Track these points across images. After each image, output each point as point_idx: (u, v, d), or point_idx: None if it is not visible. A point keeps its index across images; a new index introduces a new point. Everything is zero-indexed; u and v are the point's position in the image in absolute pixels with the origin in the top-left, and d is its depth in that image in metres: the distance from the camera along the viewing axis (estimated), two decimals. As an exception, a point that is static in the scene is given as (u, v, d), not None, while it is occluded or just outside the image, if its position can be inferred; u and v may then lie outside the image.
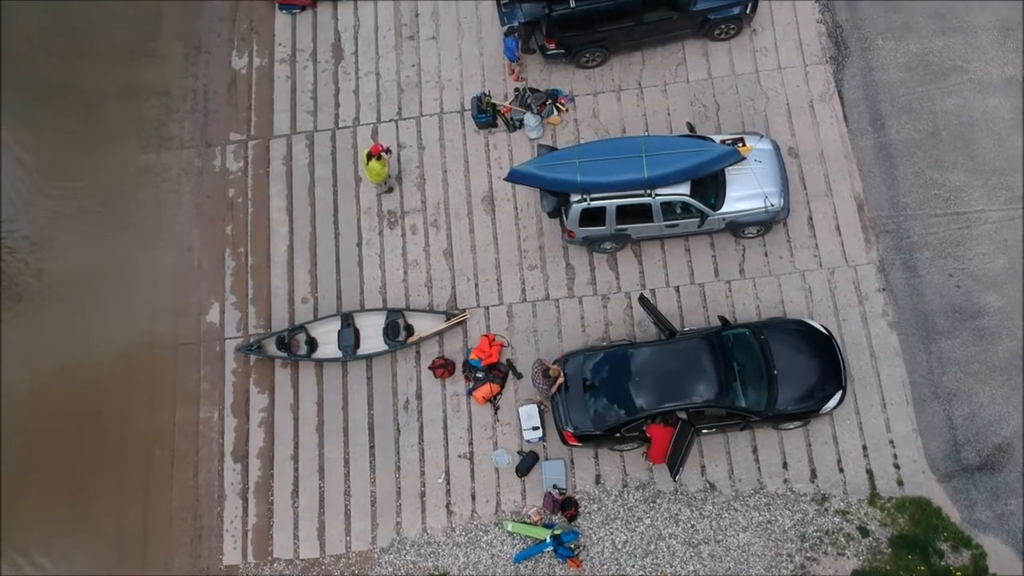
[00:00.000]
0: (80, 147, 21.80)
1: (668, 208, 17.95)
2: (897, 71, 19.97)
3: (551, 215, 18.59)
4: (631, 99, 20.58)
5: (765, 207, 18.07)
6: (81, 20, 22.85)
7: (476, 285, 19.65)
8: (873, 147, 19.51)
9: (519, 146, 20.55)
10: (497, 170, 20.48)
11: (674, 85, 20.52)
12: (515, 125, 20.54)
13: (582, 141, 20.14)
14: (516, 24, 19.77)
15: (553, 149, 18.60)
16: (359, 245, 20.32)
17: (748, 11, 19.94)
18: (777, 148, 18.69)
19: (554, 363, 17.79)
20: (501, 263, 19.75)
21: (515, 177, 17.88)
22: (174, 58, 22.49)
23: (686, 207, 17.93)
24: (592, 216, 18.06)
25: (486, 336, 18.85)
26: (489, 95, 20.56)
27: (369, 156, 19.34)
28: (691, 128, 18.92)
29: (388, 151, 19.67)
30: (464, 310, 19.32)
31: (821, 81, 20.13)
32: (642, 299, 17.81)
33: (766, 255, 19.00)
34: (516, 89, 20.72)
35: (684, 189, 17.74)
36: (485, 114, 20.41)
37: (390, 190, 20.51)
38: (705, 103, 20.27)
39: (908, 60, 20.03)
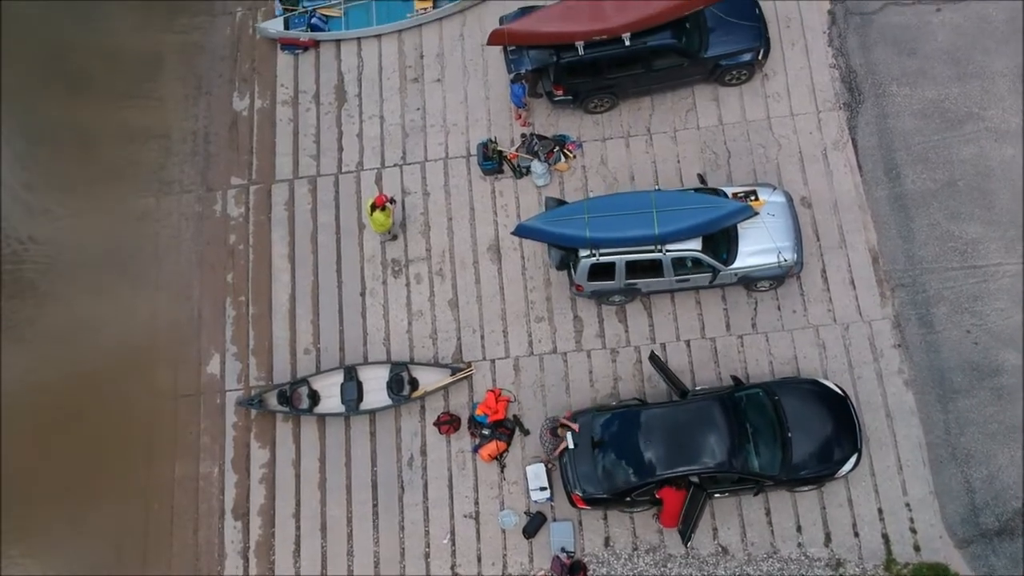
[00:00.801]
0: (78, 191, 21.40)
1: (679, 263, 17.56)
2: (912, 118, 19.55)
3: (558, 268, 18.19)
4: (640, 145, 20.17)
5: (778, 262, 17.66)
6: (80, 60, 22.44)
7: (482, 337, 19.23)
8: (888, 197, 19.09)
9: (526, 193, 20.14)
10: (503, 217, 20.08)
11: (684, 131, 20.11)
12: (522, 172, 20.14)
13: (591, 193, 19.71)
14: (523, 71, 19.36)
15: (561, 202, 18.21)
16: (362, 294, 19.92)
17: (760, 57, 19.52)
18: (790, 200, 18.29)
19: (564, 421, 17.36)
20: (507, 314, 19.34)
21: (522, 232, 17.48)
22: (174, 99, 22.09)
23: (697, 262, 17.53)
24: (601, 271, 17.65)
25: (492, 391, 18.45)
26: (495, 141, 20.16)
27: (373, 207, 18.95)
28: (702, 180, 18.52)
29: (393, 201, 19.28)
30: (470, 364, 18.91)
31: (834, 128, 19.71)
32: (653, 357, 17.40)
33: (779, 309, 18.59)
34: (523, 135, 20.32)
35: (695, 244, 17.34)
36: (491, 161, 20.01)
37: (394, 238, 20.11)
38: (716, 150, 19.86)
39: (924, 107, 19.61)
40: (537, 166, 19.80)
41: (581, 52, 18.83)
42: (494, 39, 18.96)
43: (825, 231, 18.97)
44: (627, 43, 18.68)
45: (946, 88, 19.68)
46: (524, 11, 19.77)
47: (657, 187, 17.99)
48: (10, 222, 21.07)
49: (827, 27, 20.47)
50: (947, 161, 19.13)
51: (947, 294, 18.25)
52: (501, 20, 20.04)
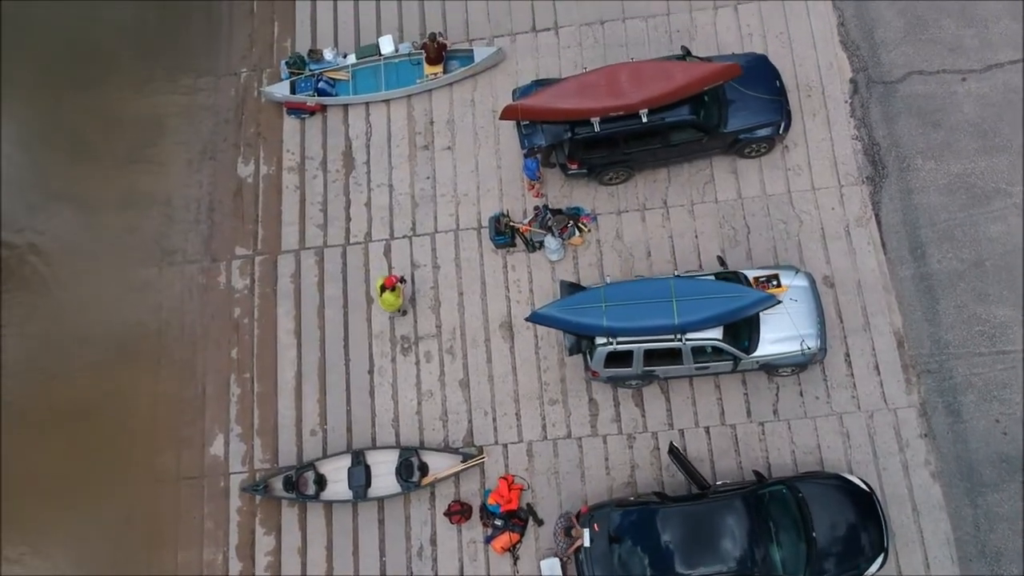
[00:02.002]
0: (77, 259, 20.85)
1: (699, 351, 16.99)
2: (938, 194, 18.98)
3: (571, 353, 17.61)
4: (656, 219, 19.60)
5: (801, 350, 17.08)
6: (78, 122, 21.89)
7: (494, 419, 18.67)
8: (913, 277, 18.51)
9: (539, 268, 19.58)
10: (516, 293, 19.51)
11: (702, 205, 19.53)
12: (535, 246, 19.56)
13: (606, 268, 19.19)
14: (537, 147, 18.80)
15: (574, 285, 17.66)
16: (371, 372, 19.35)
17: (781, 132, 18.95)
18: (813, 283, 17.70)
19: (579, 518, 16.78)
20: (520, 396, 18.77)
21: (537, 319, 16.90)
22: (176, 164, 21.54)
23: (718, 350, 16.96)
24: (618, 358, 17.09)
25: (505, 478, 17.88)
26: (508, 215, 19.59)
27: (383, 288, 18.37)
28: (722, 261, 17.95)
29: (403, 280, 18.73)
30: (481, 449, 18.36)
31: (857, 204, 19.13)
32: (672, 450, 16.82)
33: (801, 395, 18.00)
34: (535, 207, 19.74)
35: (716, 333, 16.78)
36: (504, 236, 19.44)
37: (403, 313, 19.54)
38: (735, 225, 19.29)
39: (949, 182, 19.04)
40: (551, 241, 19.22)
41: (597, 128, 18.26)
42: (507, 114, 18.38)
43: (848, 313, 18.39)
44: (644, 119, 18.10)
45: (972, 162, 19.10)
46: (538, 83, 19.25)
47: (675, 272, 17.36)
48: (11, 294, 20.53)
49: (849, 96, 19.89)
50: (974, 239, 18.55)
51: (975, 381, 17.67)
52: (514, 93, 19.53)
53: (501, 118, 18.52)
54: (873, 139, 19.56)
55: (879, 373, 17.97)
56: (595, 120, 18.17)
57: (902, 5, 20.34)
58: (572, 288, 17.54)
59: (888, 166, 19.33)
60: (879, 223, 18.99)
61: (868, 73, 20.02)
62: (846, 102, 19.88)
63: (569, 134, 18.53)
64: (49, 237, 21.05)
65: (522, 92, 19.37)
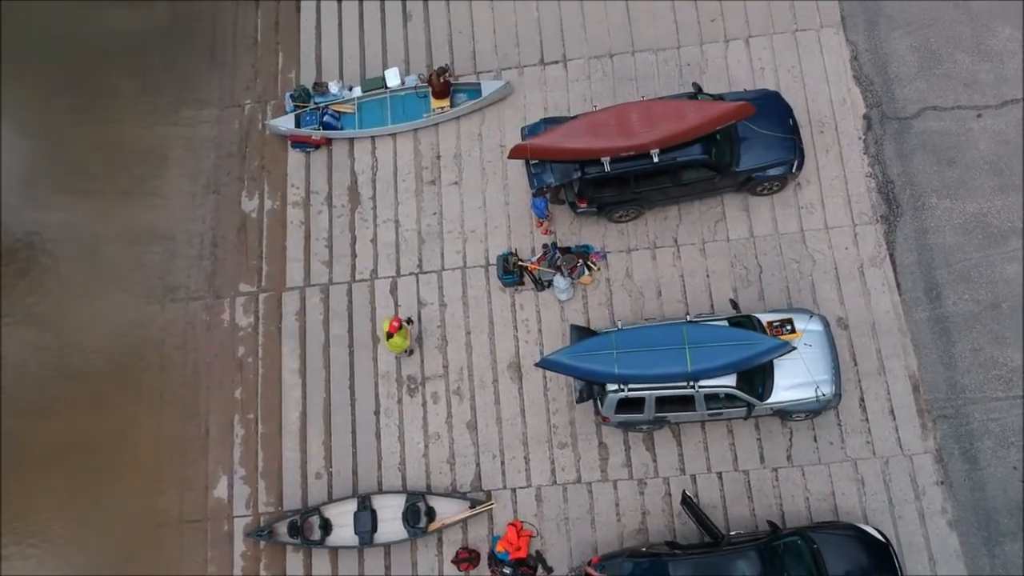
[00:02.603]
0: (79, 295, 20.53)
1: (712, 397, 16.70)
2: (953, 234, 18.67)
3: (581, 400, 17.30)
4: (667, 257, 19.30)
5: (816, 397, 16.79)
6: (81, 156, 21.58)
7: (502, 463, 18.38)
8: (928, 320, 18.21)
9: (547, 307, 19.28)
10: (524, 333, 19.21)
11: (713, 243, 19.23)
12: (544, 284, 19.26)
13: (616, 308, 18.91)
14: (547, 186, 18.50)
15: (584, 329, 17.39)
16: (376, 414, 19.05)
17: (794, 170, 18.65)
18: (828, 327, 17.39)
19: (591, 565, 16.48)
20: (529, 439, 18.47)
21: (547, 366, 16.62)
22: (180, 198, 21.23)
23: (731, 396, 16.66)
24: (629, 404, 16.81)
25: (513, 524, 17.57)
26: (516, 254, 19.29)
27: (389, 335, 18.06)
28: (735, 305, 17.66)
29: (410, 321, 18.43)
30: (490, 494, 18.07)
31: (871, 243, 18.83)
32: (685, 500, 16.52)
33: (815, 440, 17.70)
34: (544, 245, 19.43)
35: (730, 380, 16.49)
36: (512, 275, 19.14)
37: (410, 353, 19.25)
38: (747, 264, 18.98)
39: (965, 221, 18.74)
40: (560, 281, 18.91)
41: (607, 168, 17.96)
42: (516, 154, 18.09)
43: (863, 356, 18.08)
44: (656, 159, 17.80)
45: (988, 201, 18.80)
46: (547, 122, 18.94)
47: (687, 316, 17.06)
48: (10, 329, 20.22)
49: (863, 133, 19.59)
50: (990, 281, 18.25)
51: (992, 427, 17.37)
52: (523, 131, 19.22)
53: (510, 157, 18.25)
54: (887, 176, 19.25)
55: (894, 418, 17.67)
56: (605, 160, 17.87)
57: (916, 39, 20.03)
58: (582, 333, 17.25)
59: (903, 205, 19.02)
60: (894, 263, 18.68)
61: (882, 109, 19.71)
62: (860, 138, 19.58)
63: (579, 173, 18.23)
64: (50, 271, 20.70)
65: (530, 130, 19.06)
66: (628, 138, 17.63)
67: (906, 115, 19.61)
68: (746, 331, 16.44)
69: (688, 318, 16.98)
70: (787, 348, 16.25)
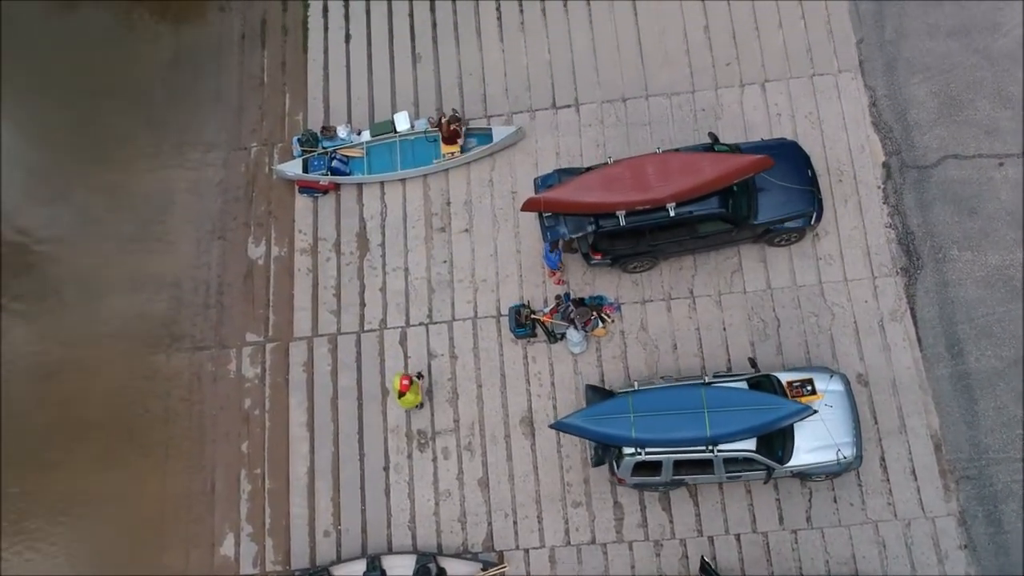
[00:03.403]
0: (83, 345, 20.17)
1: (731, 460, 16.32)
2: (975, 287, 18.28)
3: (596, 464, 16.93)
4: (682, 309, 18.91)
5: (837, 459, 16.41)
6: (85, 200, 21.22)
7: (515, 522, 18.00)
8: (950, 376, 17.81)
9: (560, 360, 18.90)
10: (536, 387, 18.84)
11: (729, 295, 18.84)
12: (556, 337, 18.88)
13: (630, 362, 18.54)
14: (560, 240, 18.13)
15: (599, 390, 17.01)
16: (386, 469, 18.69)
17: (812, 222, 18.26)
18: (848, 387, 17.01)
19: None
20: (542, 497, 18.09)
21: (562, 428, 16.27)
22: (185, 243, 20.85)
23: (750, 459, 16.29)
24: (646, 466, 16.44)
25: (526, 588, 17.21)
26: (528, 306, 18.92)
27: (400, 394, 17.69)
28: (753, 364, 17.25)
29: (420, 376, 18.07)
30: (502, 555, 17.68)
31: (892, 297, 18.44)
32: (704, 567, 16.15)
33: (835, 501, 17.31)
34: (557, 296, 19.04)
35: (749, 444, 16.12)
36: (524, 328, 18.77)
37: (420, 406, 18.86)
38: (764, 318, 18.60)
39: (987, 274, 18.34)
40: (573, 334, 18.52)
41: (622, 222, 17.58)
42: (529, 207, 17.75)
43: (883, 413, 17.69)
44: (672, 213, 17.43)
45: (1011, 253, 18.40)
46: (561, 173, 18.56)
47: (705, 377, 16.66)
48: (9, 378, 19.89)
49: (882, 182, 19.21)
50: (1013, 336, 17.86)
51: (1016, 488, 16.98)
52: (536, 183, 18.84)
53: (523, 209, 17.90)
54: (907, 227, 18.86)
55: (916, 479, 17.28)
56: (620, 213, 17.51)
57: (936, 85, 19.65)
58: (598, 393, 16.88)
59: (923, 257, 18.63)
60: (914, 317, 18.29)
61: (901, 157, 19.33)
62: (879, 187, 19.20)
63: (593, 226, 17.85)
64: (54, 321, 20.37)
65: (543, 181, 18.69)
66: (644, 192, 17.28)
67: (926, 163, 19.23)
68: (766, 395, 16.08)
69: (706, 379, 16.61)
70: (808, 412, 15.89)
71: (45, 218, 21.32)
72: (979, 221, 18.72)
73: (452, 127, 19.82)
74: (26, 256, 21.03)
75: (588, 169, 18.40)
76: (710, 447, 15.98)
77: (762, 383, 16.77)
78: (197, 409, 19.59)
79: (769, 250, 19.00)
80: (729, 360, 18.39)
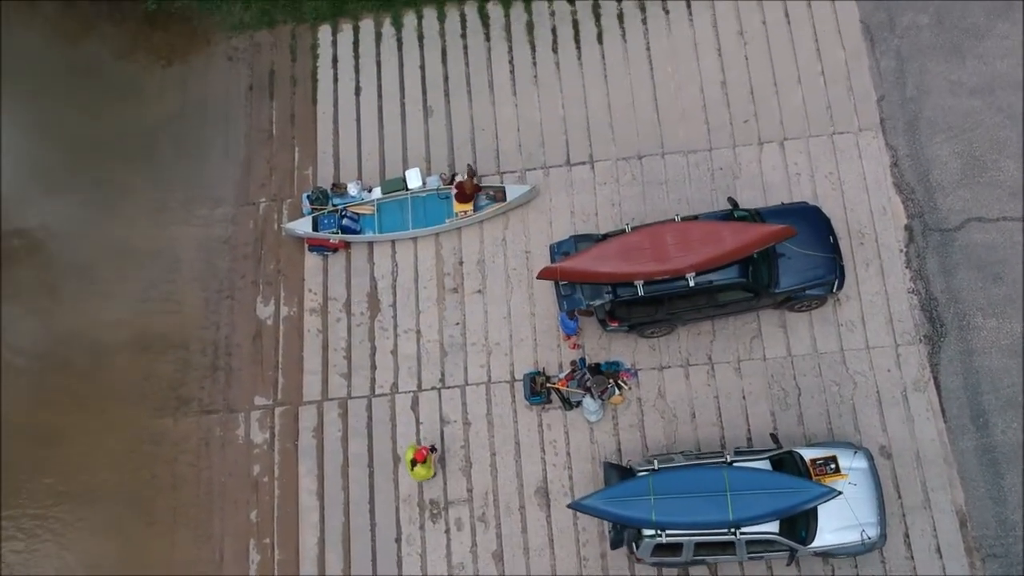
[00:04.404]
0: (88, 407, 19.79)
1: (753, 541, 15.94)
2: (1001, 356, 17.89)
3: (615, 547, 16.55)
4: (701, 376, 18.53)
5: (862, 540, 16.03)
6: (88, 257, 20.84)
7: (530, 598, 17.63)
8: (975, 449, 17.44)
9: (576, 428, 18.53)
10: (552, 455, 18.46)
11: (749, 362, 18.46)
12: (572, 404, 18.50)
13: (647, 432, 18.17)
14: (578, 309, 17.76)
15: (619, 467, 16.66)
16: (398, 541, 18.30)
17: (834, 290, 17.89)
18: (872, 463, 16.62)
19: None
20: (558, 572, 17.72)
21: (580, 509, 15.91)
22: (193, 303, 20.45)
23: (773, 540, 15.92)
24: (666, 548, 16.06)
25: (543, 666, 16.82)
26: (544, 373, 18.54)
27: (413, 463, 17.33)
28: (775, 439, 16.88)
29: (434, 449, 17.70)
30: (518, 633, 17.29)
31: (915, 366, 18.05)
32: None
33: (858, 578, 16.94)
34: (572, 362, 18.64)
35: (772, 526, 15.78)
36: (539, 396, 18.39)
37: (433, 475, 18.45)
38: (784, 386, 18.21)
39: (1012, 343, 17.96)
40: (589, 402, 18.13)
41: (641, 291, 17.21)
42: (545, 275, 17.40)
43: (907, 488, 17.32)
44: (691, 283, 17.05)
45: (1037, 321, 18.05)
46: (577, 239, 18.22)
47: (725, 456, 16.26)
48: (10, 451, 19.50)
49: (904, 245, 18.83)
50: (1040, 408, 17.50)
51: (1044, 568, 16.61)
52: (552, 250, 18.51)
53: (539, 277, 17.57)
54: (930, 293, 18.47)
55: (941, 556, 16.91)
56: (639, 283, 17.13)
57: (959, 145, 19.27)
58: (617, 471, 16.52)
59: (947, 324, 18.24)
60: (938, 387, 17.91)
61: (924, 219, 18.94)
62: (901, 251, 18.81)
63: (611, 295, 17.48)
64: (60, 385, 19.96)
65: (559, 247, 18.35)
66: (663, 262, 16.92)
67: (949, 226, 18.84)
68: (790, 477, 15.69)
69: (728, 458, 16.22)
70: (833, 494, 15.51)
71: (48, 276, 20.90)
72: (1004, 287, 18.33)
73: (472, 181, 19.38)
74: (29, 314, 20.63)
75: (605, 236, 18.07)
76: (732, 530, 15.60)
77: (785, 461, 16.40)
78: (205, 475, 19.21)
79: (789, 315, 18.62)
80: (749, 431, 18.01)
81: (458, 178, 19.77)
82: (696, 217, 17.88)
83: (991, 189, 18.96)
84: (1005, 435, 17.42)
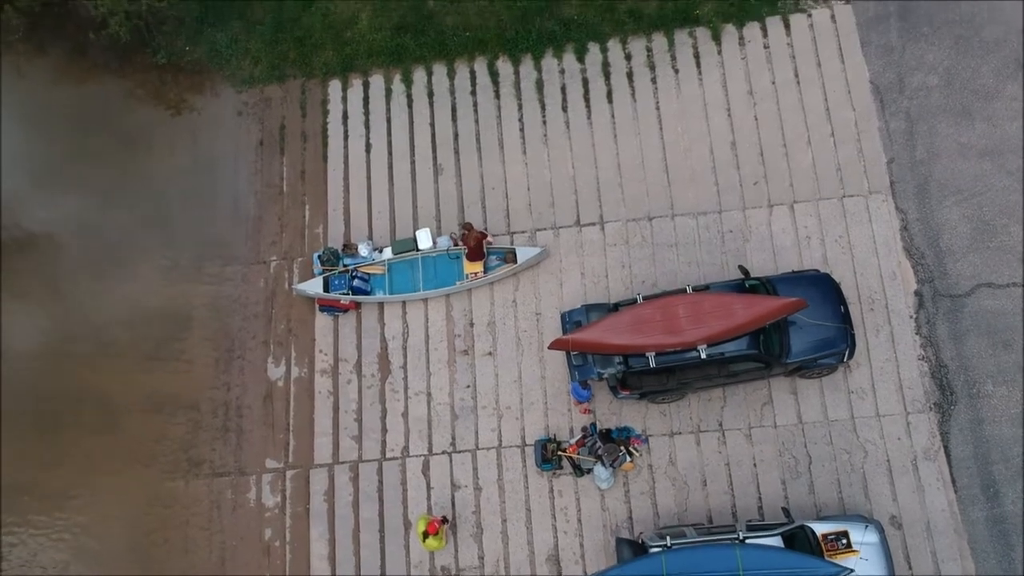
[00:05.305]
0: (99, 469, 19.83)
1: (765, 618, 15.98)
2: (1011, 425, 17.95)
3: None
4: (712, 443, 18.58)
5: (873, 616, 16.08)
6: (99, 317, 20.86)
7: (542, 668, 17.68)
8: (986, 520, 17.49)
9: (587, 494, 18.57)
10: (563, 522, 18.51)
11: (760, 429, 18.51)
12: (583, 471, 18.54)
13: (658, 500, 18.21)
14: (589, 380, 17.82)
15: (632, 543, 16.70)
16: (410, 610, 18.38)
17: (845, 359, 17.94)
18: (884, 536, 16.66)
19: None
20: (569, 640, 17.77)
21: (593, 585, 15.95)
22: (204, 363, 20.50)
23: (785, 616, 15.95)
24: (678, 625, 16.11)
25: None
26: (554, 440, 18.60)
27: (425, 534, 17.38)
28: (786, 513, 16.95)
29: (445, 520, 17.74)
30: None
31: (925, 434, 18.10)
32: None
33: (869, 651, 16.95)
34: (583, 428, 18.72)
35: (785, 604, 15.77)
36: (550, 463, 18.44)
37: (444, 545, 18.47)
38: (795, 454, 18.26)
39: (1022, 412, 17.99)
40: (600, 470, 18.18)
41: (652, 363, 17.27)
42: (557, 346, 17.46)
43: (918, 558, 17.37)
44: (703, 355, 17.12)
45: (1046, 390, 18.10)
46: (589, 309, 18.31)
47: (738, 531, 16.30)
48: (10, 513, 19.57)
49: (914, 312, 18.87)
50: (1050, 478, 17.56)
51: (1055, 642, 16.66)
52: (563, 318, 18.60)
53: (550, 348, 17.66)
54: (940, 360, 18.52)
55: (952, 629, 16.97)
56: (650, 355, 17.19)
57: (968, 209, 19.32)
58: (629, 547, 16.56)
59: (957, 392, 18.29)
60: (948, 456, 17.96)
61: (934, 285, 18.99)
62: (911, 317, 18.85)
63: (623, 366, 17.54)
64: (72, 445, 19.99)
65: (570, 317, 18.47)
66: (674, 335, 16.98)
67: (959, 292, 18.89)
68: (802, 555, 15.73)
69: (740, 534, 16.25)
70: (845, 573, 15.54)
71: (58, 332, 20.93)
72: (1013, 354, 18.38)
73: (477, 237, 19.40)
74: (40, 372, 20.67)
75: (616, 306, 18.13)
76: (745, 609, 15.66)
77: (796, 536, 16.43)
78: (217, 539, 19.25)
79: (800, 382, 18.66)
80: (760, 499, 18.06)
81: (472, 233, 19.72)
82: (707, 287, 17.93)
83: (1000, 254, 19.01)
84: (1015, 506, 17.47)
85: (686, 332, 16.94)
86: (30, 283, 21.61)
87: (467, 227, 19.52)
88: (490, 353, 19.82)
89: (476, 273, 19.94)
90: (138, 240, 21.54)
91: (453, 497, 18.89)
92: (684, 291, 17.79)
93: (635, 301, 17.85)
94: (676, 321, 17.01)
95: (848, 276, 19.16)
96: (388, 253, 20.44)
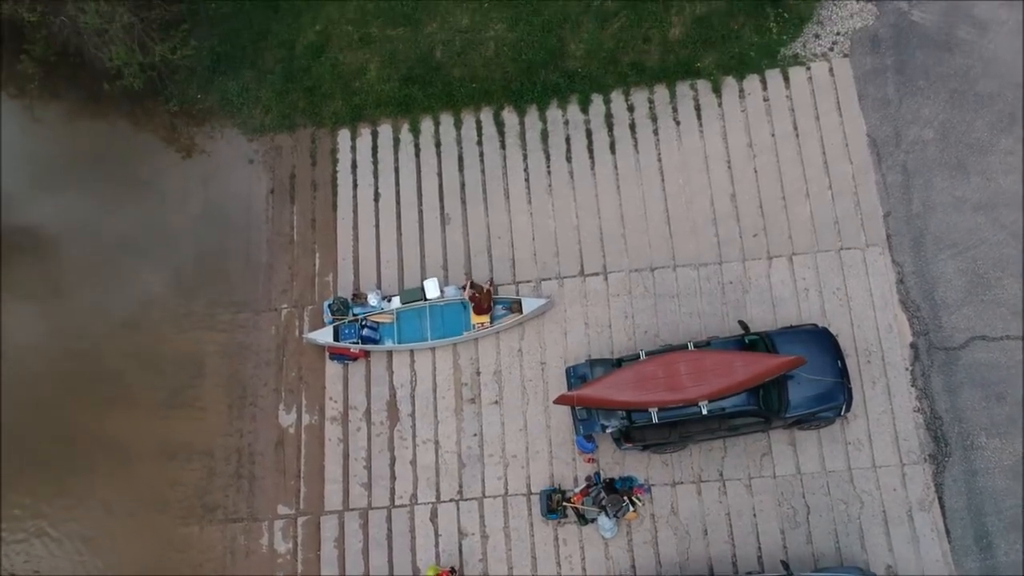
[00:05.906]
0: (115, 514, 20.33)
1: (763, 670, 16.51)
2: (1003, 477, 18.44)
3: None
4: (713, 493, 19.07)
5: (869, 669, 16.58)
6: (113, 364, 21.35)
7: None
8: (980, 571, 18.00)
9: (591, 543, 19.06)
10: (567, 569, 19.02)
11: (759, 479, 19.01)
12: (587, 520, 19.04)
13: (661, 548, 18.67)
14: (594, 433, 18.34)
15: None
16: (419, 660, 18.88)
17: (843, 413, 18.45)
18: (879, 587, 17.21)
19: None
20: None
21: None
22: (217, 410, 20.98)
23: (783, 669, 16.48)
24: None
25: None
26: (560, 490, 19.11)
27: (434, 587, 17.93)
28: (786, 566, 17.43)
29: (453, 572, 18.27)
30: None
31: (920, 485, 18.60)
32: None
33: None
34: (587, 477, 19.24)
35: (783, 658, 16.28)
36: (555, 513, 18.95)
37: (452, 592, 19.04)
38: (794, 504, 18.76)
39: (1015, 464, 18.50)
40: (604, 520, 18.70)
41: (655, 419, 17.78)
42: (562, 401, 17.98)
43: (913, 609, 17.88)
44: (704, 411, 17.64)
45: (1039, 442, 18.58)
46: (593, 364, 18.82)
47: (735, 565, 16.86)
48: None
49: (910, 364, 19.36)
50: (1042, 530, 18.04)
51: None
52: (568, 373, 19.12)
53: (556, 403, 18.17)
54: (935, 412, 19.02)
55: None
56: (653, 410, 17.71)
57: (963, 262, 19.79)
58: (632, 601, 17.06)
59: (951, 443, 18.79)
60: (943, 507, 18.45)
61: (929, 337, 19.47)
62: (907, 369, 19.34)
63: (625, 419, 18.05)
64: (87, 490, 20.49)
65: (575, 372, 19.01)
66: (676, 392, 17.52)
67: (954, 345, 19.37)
68: (801, 612, 16.24)
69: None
70: (844, 633, 16.07)
71: (71, 382, 21.41)
72: (1006, 407, 18.87)
73: (488, 294, 19.90)
74: (55, 418, 21.14)
75: (619, 361, 18.63)
76: (744, 660, 16.17)
77: (795, 589, 16.95)
78: (230, 585, 19.77)
79: (798, 433, 19.15)
80: (759, 549, 18.56)
81: (468, 291, 20.20)
82: (708, 343, 18.43)
83: (994, 307, 19.49)
84: (1008, 556, 17.96)
85: (688, 389, 17.46)
86: (41, 326, 22.04)
87: (478, 289, 20.01)
88: (496, 401, 20.32)
89: (483, 324, 20.42)
90: (151, 289, 21.99)
91: (460, 544, 19.39)
92: (686, 347, 18.27)
93: (638, 356, 18.36)
94: (678, 378, 17.53)
95: (845, 328, 19.65)
96: (397, 302, 20.94)
